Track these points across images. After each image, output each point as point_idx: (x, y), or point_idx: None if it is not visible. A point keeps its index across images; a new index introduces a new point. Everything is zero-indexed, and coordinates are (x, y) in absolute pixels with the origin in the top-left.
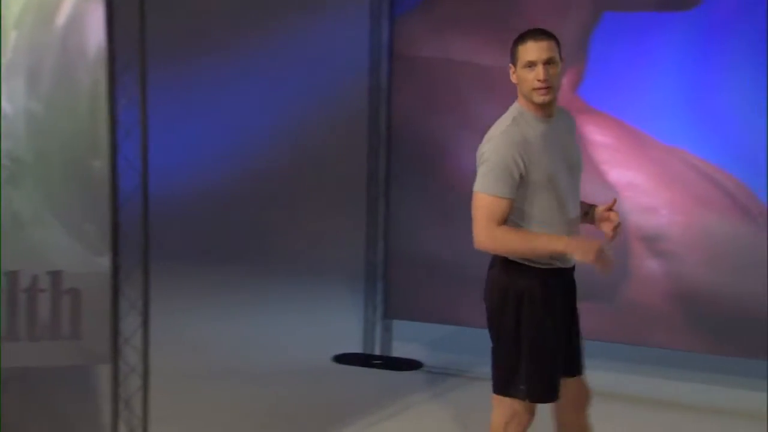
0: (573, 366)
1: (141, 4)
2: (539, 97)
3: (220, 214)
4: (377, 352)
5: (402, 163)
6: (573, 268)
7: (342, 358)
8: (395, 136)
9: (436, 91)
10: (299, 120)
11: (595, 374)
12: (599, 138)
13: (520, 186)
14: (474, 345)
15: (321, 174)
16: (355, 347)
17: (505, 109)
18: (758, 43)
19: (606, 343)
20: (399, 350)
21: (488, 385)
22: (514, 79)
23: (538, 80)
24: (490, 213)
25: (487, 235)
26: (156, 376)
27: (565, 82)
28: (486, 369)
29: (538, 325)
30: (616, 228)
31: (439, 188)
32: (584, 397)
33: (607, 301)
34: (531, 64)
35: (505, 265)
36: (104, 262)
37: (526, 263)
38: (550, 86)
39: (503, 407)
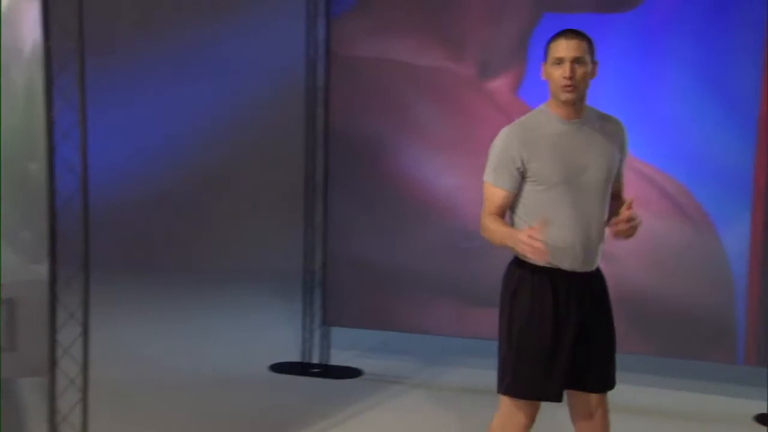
0: (584, 380)
1: (79, 1)
2: (565, 95)
3: (156, 220)
4: (315, 360)
5: (340, 166)
6: (592, 274)
7: (279, 367)
8: (333, 137)
9: (374, 91)
10: (234, 122)
11: None
12: None
13: (524, 182)
14: (415, 350)
15: (258, 177)
16: (293, 356)
17: (442, 108)
18: (697, 44)
19: None
20: (337, 358)
21: (428, 392)
22: (544, 75)
23: (564, 77)
24: (485, 201)
25: (480, 223)
26: (94, 388)
27: (506, 83)
28: (426, 375)
29: (524, 321)
30: (621, 224)
31: (379, 191)
32: (596, 417)
33: None
34: (559, 61)
35: (512, 261)
36: (41, 270)
37: (525, 260)
38: (575, 85)
39: (501, 407)
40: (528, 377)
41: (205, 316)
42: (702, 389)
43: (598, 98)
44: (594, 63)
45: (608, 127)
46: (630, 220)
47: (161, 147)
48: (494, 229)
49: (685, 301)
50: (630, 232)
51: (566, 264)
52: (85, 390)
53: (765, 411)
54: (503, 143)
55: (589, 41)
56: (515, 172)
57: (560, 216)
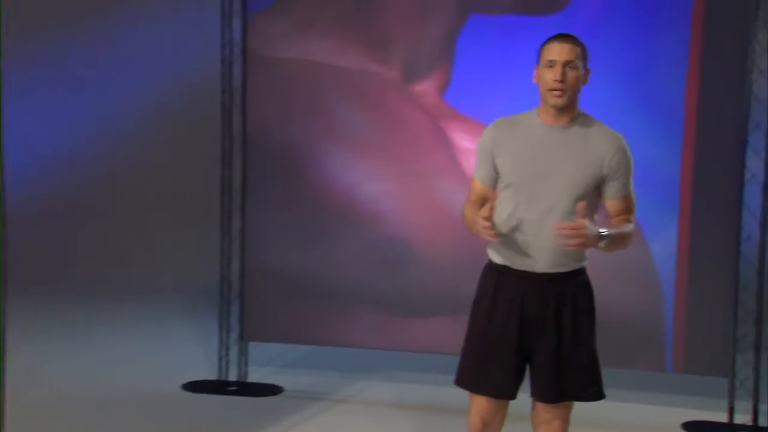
0: (541, 389)
1: None
2: (553, 99)
3: (61, 231)
4: (232, 377)
5: (260, 171)
6: (557, 279)
7: (193, 386)
8: (251, 142)
9: (295, 94)
10: (144, 127)
11: None
12: (467, 145)
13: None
14: (339, 365)
15: (171, 185)
16: (209, 373)
17: (366, 112)
18: (624, 50)
19: None
20: (256, 375)
21: (353, 408)
22: (535, 79)
23: (555, 80)
24: (470, 190)
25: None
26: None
27: (432, 86)
28: (351, 390)
29: (473, 315)
30: (567, 233)
31: (300, 198)
32: (549, 429)
33: None
34: (551, 64)
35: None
36: None
37: (492, 260)
38: (565, 89)
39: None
40: (468, 369)
41: (114, 332)
42: (630, 398)
43: (526, 103)
44: (587, 70)
45: (595, 141)
46: (577, 228)
47: (65, 155)
48: (466, 215)
49: (613, 307)
50: (575, 241)
51: (518, 264)
52: (2, 415)
53: (693, 419)
54: (484, 135)
55: (583, 47)
56: (490, 165)
57: (515, 216)
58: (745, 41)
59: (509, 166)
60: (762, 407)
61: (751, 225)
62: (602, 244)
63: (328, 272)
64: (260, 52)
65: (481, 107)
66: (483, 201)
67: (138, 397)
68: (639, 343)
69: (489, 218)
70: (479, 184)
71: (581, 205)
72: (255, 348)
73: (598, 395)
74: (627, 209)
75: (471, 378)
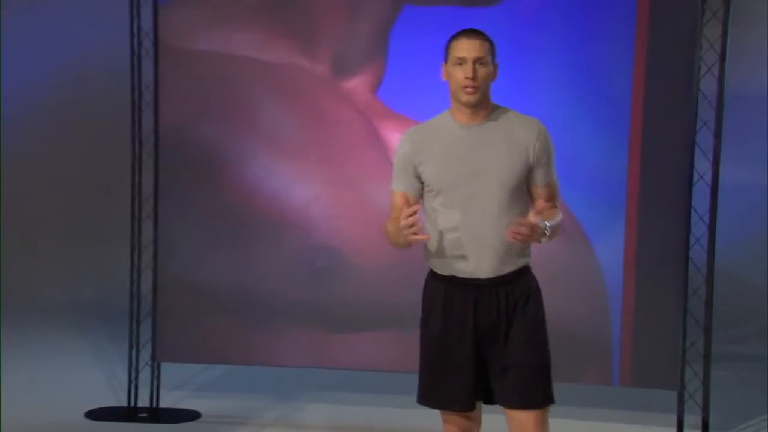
0: (500, 393)
1: None
2: (465, 96)
3: None
4: (143, 403)
5: (174, 176)
6: (501, 281)
7: (99, 414)
8: (165, 143)
9: (213, 90)
10: (45, 129)
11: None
12: None
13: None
14: (263, 386)
15: (78, 192)
16: (117, 399)
17: (293, 110)
18: (566, 42)
19: None
20: (170, 399)
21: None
22: (444, 76)
23: (466, 77)
24: (391, 210)
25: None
26: None
27: (364, 82)
28: (278, 413)
29: (423, 329)
30: (522, 227)
31: (219, 205)
32: None
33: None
34: (461, 61)
35: (429, 272)
36: None
37: (432, 269)
38: (477, 86)
39: None
40: (428, 386)
41: (13, 354)
42: (576, 415)
43: None
44: (495, 65)
45: (517, 130)
46: (531, 226)
47: None
48: (390, 231)
49: (557, 318)
50: (527, 238)
51: (459, 271)
52: None
53: None
54: (399, 148)
55: (491, 42)
56: (411, 176)
57: (450, 222)
58: (692, 35)
59: (435, 173)
60: (713, 420)
61: (699, 228)
62: (545, 239)
63: (251, 285)
64: (174, 44)
65: (417, 105)
66: None
67: (36, 427)
68: (585, 355)
69: (410, 215)
70: (400, 198)
71: (540, 203)
72: (168, 369)
73: (549, 400)
74: (553, 195)
75: (433, 395)
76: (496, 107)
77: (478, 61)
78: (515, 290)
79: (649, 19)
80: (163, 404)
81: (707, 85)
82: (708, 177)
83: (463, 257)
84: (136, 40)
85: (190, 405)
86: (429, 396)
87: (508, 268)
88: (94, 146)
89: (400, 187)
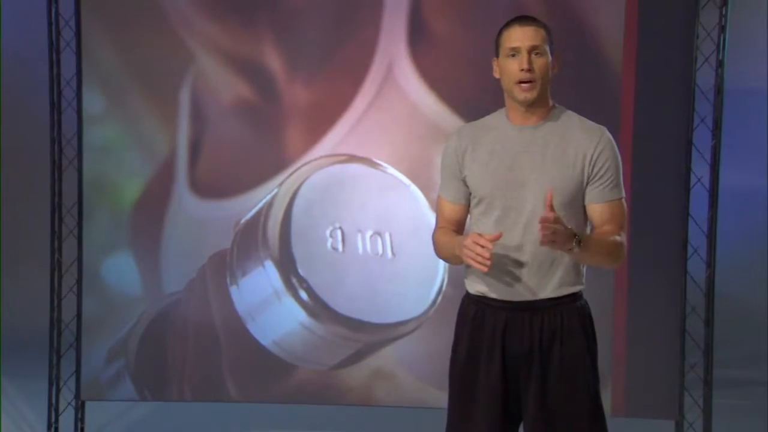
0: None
1: None
2: (521, 93)
3: None
4: None
5: (102, 187)
6: (540, 306)
7: None
8: (89, 150)
9: None
10: None
11: None
12: None
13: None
14: (207, 424)
15: None
16: None
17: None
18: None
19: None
20: None
21: None
22: (496, 73)
23: (521, 69)
24: (436, 215)
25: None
26: None
27: None
28: None
29: (452, 356)
30: (545, 227)
31: None
32: None
33: None
34: (514, 52)
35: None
36: None
37: (468, 291)
38: (535, 80)
39: None
40: (453, 418)
41: None
42: None
43: None
44: (556, 55)
45: (576, 137)
46: (553, 221)
47: None
48: (443, 241)
49: None
50: (550, 237)
51: (497, 291)
52: None
53: None
54: (445, 149)
55: (548, 29)
56: (458, 181)
57: (485, 234)
58: (687, 23)
59: (479, 179)
60: None
61: (698, 237)
62: (576, 247)
63: (188, 309)
64: (99, 34)
65: None
66: (456, 225)
67: None
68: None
69: (489, 241)
70: (448, 205)
71: (548, 204)
72: (96, 408)
73: None
74: (612, 219)
75: (456, 428)
76: (557, 108)
77: (534, 50)
78: (554, 320)
79: (639, 4)
80: None
81: (704, 77)
82: (706, 180)
83: (501, 275)
84: (53, 28)
85: None
86: (453, 429)
87: (551, 294)
88: (12, 150)
89: (448, 195)
